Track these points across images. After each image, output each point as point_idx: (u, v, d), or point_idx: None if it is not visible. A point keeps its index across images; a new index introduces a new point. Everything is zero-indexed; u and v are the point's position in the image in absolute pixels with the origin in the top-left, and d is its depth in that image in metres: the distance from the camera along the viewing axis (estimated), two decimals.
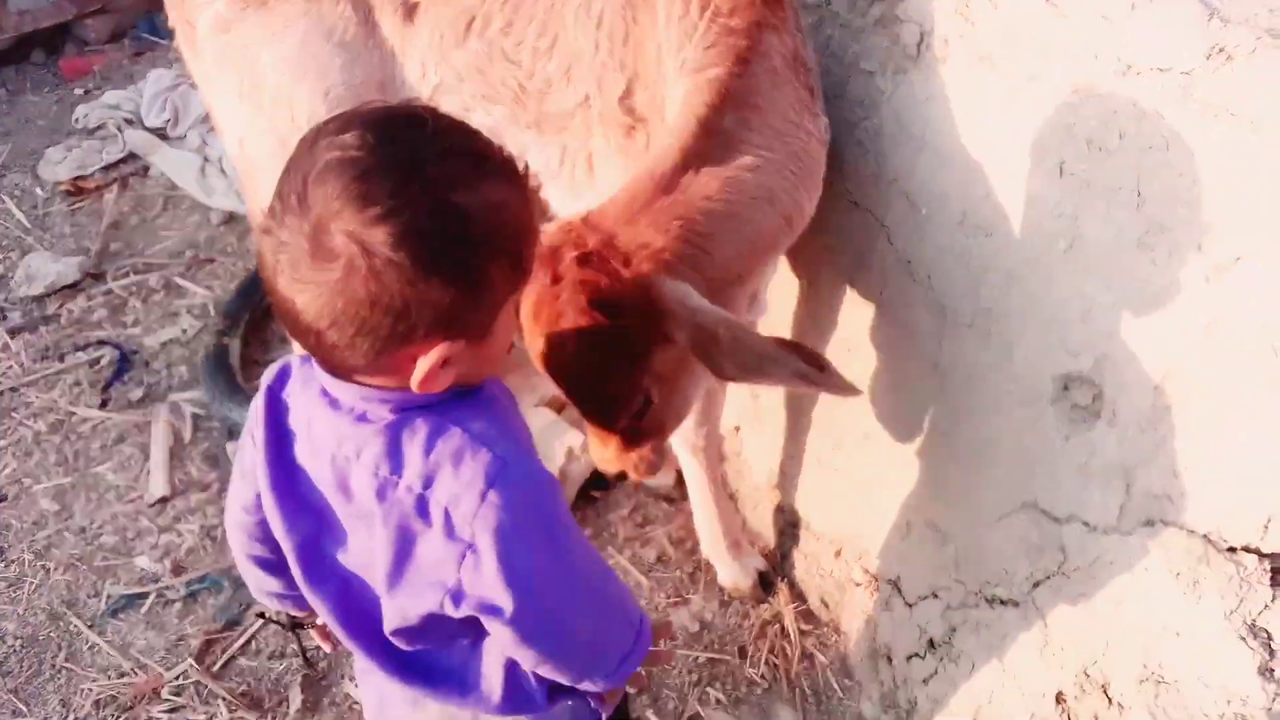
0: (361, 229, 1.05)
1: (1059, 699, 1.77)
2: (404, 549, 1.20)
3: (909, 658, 2.07)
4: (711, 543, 2.35)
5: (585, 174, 1.87)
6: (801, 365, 1.50)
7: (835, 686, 2.21)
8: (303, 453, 1.26)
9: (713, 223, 1.56)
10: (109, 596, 2.53)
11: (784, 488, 2.42)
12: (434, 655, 1.36)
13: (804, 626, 2.30)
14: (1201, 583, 1.49)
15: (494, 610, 1.19)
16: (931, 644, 2.02)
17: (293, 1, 1.87)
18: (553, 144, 1.85)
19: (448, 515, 1.16)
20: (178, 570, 2.59)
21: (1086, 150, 1.50)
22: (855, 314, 2.08)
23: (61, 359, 3.23)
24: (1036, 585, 1.78)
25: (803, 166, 1.67)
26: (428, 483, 1.16)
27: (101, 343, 3.29)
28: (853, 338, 2.10)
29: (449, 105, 1.90)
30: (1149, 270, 1.46)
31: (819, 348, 2.20)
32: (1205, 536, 1.48)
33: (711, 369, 1.51)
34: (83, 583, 2.58)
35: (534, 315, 1.50)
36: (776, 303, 2.32)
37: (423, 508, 1.17)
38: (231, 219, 3.81)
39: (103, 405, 3.09)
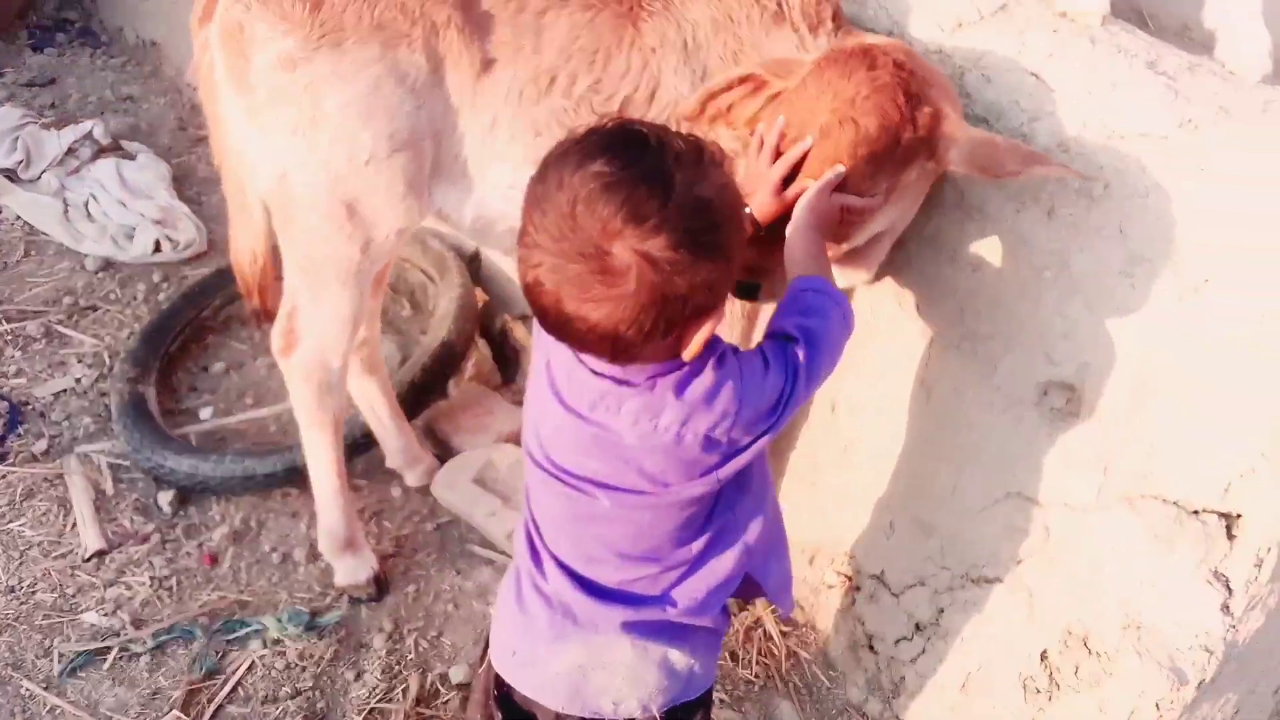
0: (641, 242, 1.27)
1: (1043, 656, 2.10)
2: (662, 468, 1.47)
3: (897, 641, 2.34)
4: None
5: None
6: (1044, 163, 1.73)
7: (823, 678, 2.45)
8: (561, 385, 1.49)
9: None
10: (62, 655, 2.34)
11: None
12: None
13: (784, 628, 2.53)
14: (1175, 540, 1.87)
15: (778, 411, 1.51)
16: (918, 626, 2.31)
17: (369, 46, 1.92)
18: None
19: (707, 438, 1.45)
20: (138, 623, 2.44)
21: (1074, 198, 1.89)
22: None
23: None
24: (1020, 563, 2.11)
25: None
26: (685, 421, 1.43)
27: None
28: (842, 364, 2.39)
29: (520, 156, 2.01)
30: (1128, 293, 1.85)
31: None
32: (1175, 503, 1.87)
33: (993, 167, 1.72)
34: (26, 644, 2.37)
35: (832, 91, 1.67)
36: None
37: (679, 439, 1.44)
38: (108, 265, 3.62)
39: (0, 460, 2.83)
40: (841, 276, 2.06)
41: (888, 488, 2.35)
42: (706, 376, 1.45)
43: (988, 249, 2.05)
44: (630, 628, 1.60)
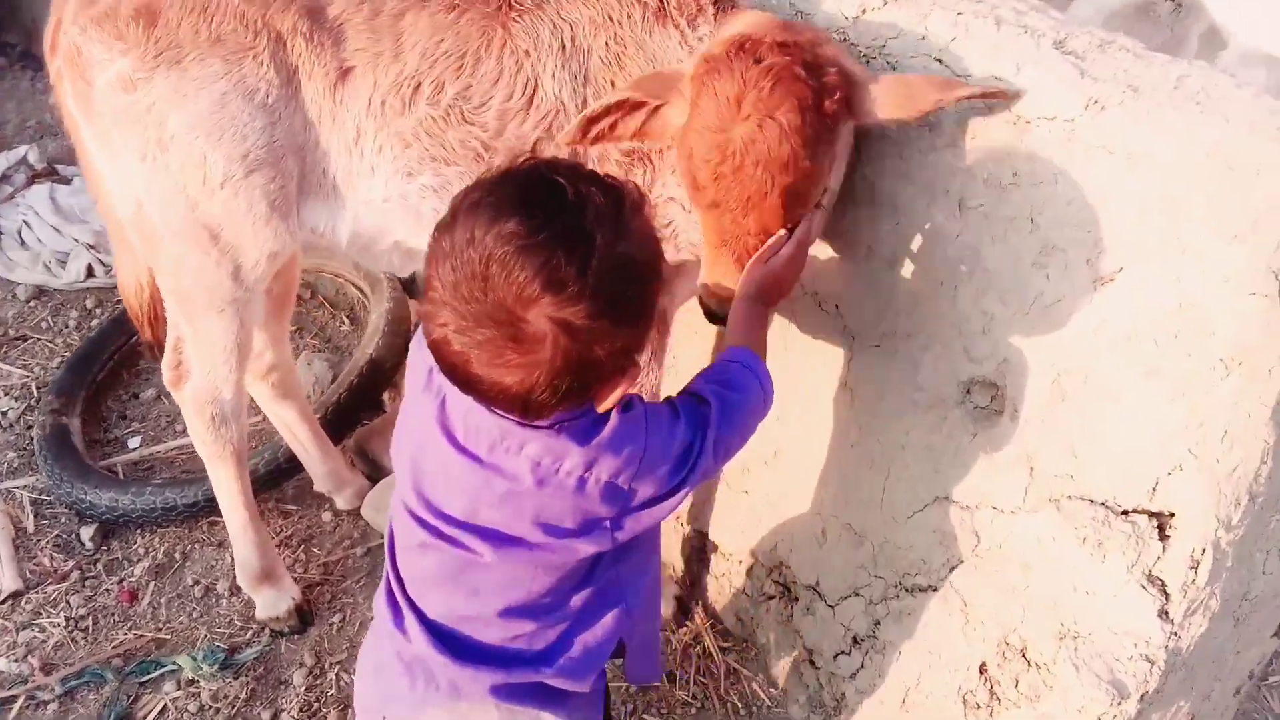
0: (559, 310, 1.20)
1: (982, 669, 2.00)
2: (559, 515, 1.40)
3: (835, 655, 2.25)
4: None
5: None
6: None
7: (763, 697, 2.35)
8: (455, 425, 1.40)
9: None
10: None
11: (692, 515, 2.56)
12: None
13: (723, 644, 2.43)
14: (1104, 544, 1.77)
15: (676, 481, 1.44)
16: (856, 640, 2.21)
17: (208, 63, 1.83)
18: None
19: (610, 485, 1.38)
20: (47, 668, 2.35)
21: (984, 188, 1.79)
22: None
23: None
24: (953, 569, 2.02)
25: None
26: (589, 466, 1.37)
27: None
28: (769, 366, 2.29)
29: (390, 169, 1.91)
30: (1043, 284, 1.75)
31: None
32: (1104, 504, 1.76)
33: (915, 103, 1.62)
34: None
35: (734, 102, 1.56)
36: (690, 333, 2.48)
37: (581, 485, 1.38)
38: (40, 294, 3.53)
39: None
40: None
41: (817, 493, 2.25)
42: (613, 422, 1.38)
43: (903, 244, 1.95)
44: (499, 691, 1.51)
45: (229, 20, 1.83)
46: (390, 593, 1.56)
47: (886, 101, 1.65)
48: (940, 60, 1.82)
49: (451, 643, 1.50)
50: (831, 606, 2.25)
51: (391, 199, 1.95)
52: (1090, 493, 1.77)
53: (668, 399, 1.54)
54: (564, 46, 1.86)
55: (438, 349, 1.27)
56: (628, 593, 1.55)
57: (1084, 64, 1.69)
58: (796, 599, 2.35)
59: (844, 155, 1.82)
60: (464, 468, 1.40)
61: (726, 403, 1.54)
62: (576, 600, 1.50)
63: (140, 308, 2.29)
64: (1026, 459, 1.85)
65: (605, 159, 1.91)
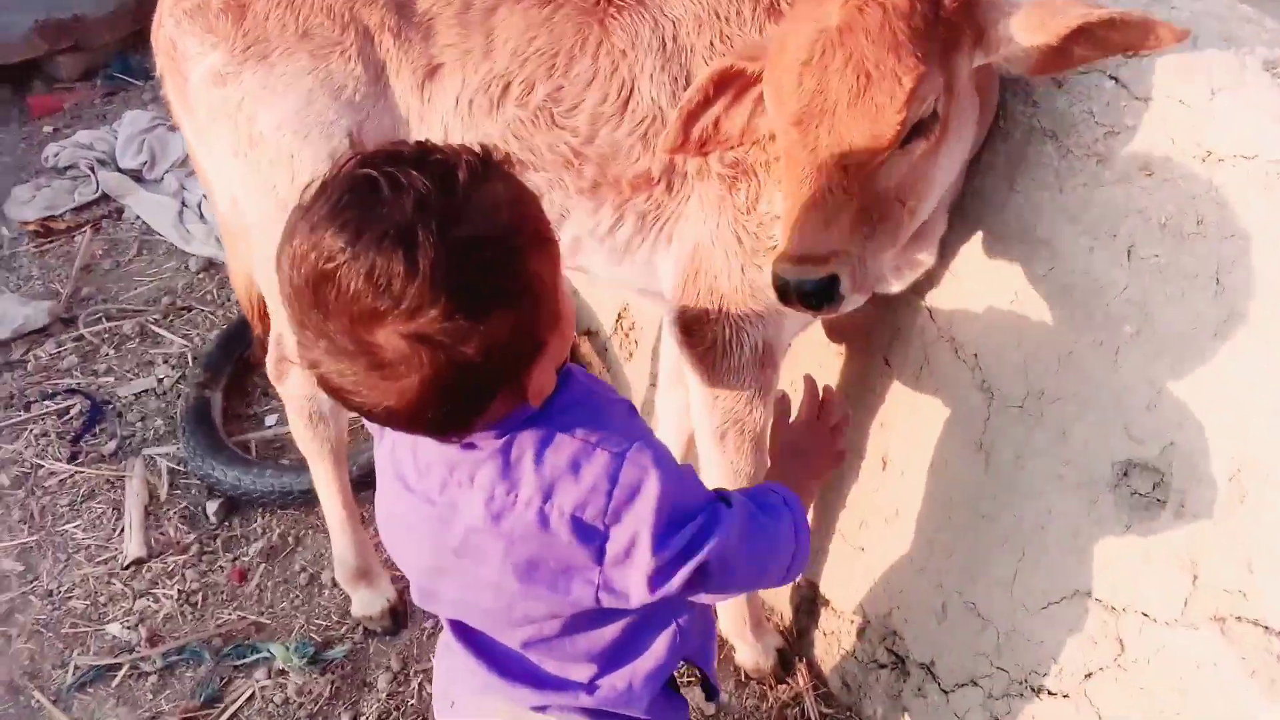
0: (405, 326, 1.04)
1: None
2: (530, 560, 1.22)
3: None
4: (733, 622, 2.25)
5: (657, 235, 1.80)
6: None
7: None
8: (407, 467, 1.27)
9: None
10: (76, 668, 2.35)
11: None
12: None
13: (825, 709, 2.22)
14: (1277, 680, 1.44)
15: (656, 583, 1.22)
16: None
17: (297, 58, 1.76)
18: (609, 208, 1.78)
19: (575, 519, 1.18)
20: (154, 639, 2.42)
21: (1160, 234, 1.49)
22: (891, 389, 2.03)
23: (28, 408, 3.06)
24: (1089, 676, 1.72)
25: None
26: (547, 495, 1.18)
27: (71, 391, 3.12)
28: (887, 412, 2.06)
29: None
30: (1226, 360, 1.44)
31: (851, 422, 2.15)
32: None
33: (1053, 30, 1.36)
34: (48, 652, 2.40)
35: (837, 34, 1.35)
36: (807, 369, 2.27)
37: (543, 519, 1.19)
38: (210, 266, 3.68)
39: (72, 459, 2.91)
40: (907, 266, 1.74)
41: (940, 562, 1.99)
42: (572, 441, 1.19)
43: (1057, 292, 1.67)
44: (543, 710, 1.38)
45: (316, 14, 1.76)
46: None
47: (1023, 26, 1.38)
48: (1115, 79, 1.53)
49: (490, 655, 1.37)
50: (946, 692, 1.99)
51: None
52: (1265, 617, 1.45)
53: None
54: (664, 46, 1.69)
55: (319, 381, 1.12)
56: (679, 608, 1.36)
57: None
58: (908, 674, 2.09)
59: (968, 106, 1.51)
60: (421, 514, 1.26)
61: (751, 518, 1.32)
62: (610, 632, 1.33)
63: (250, 300, 2.30)
64: (1190, 564, 1.54)
65: (706, 172, 1.72)
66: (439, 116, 1.77)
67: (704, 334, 1.84)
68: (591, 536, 1.19)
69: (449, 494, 1.22)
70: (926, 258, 1.74)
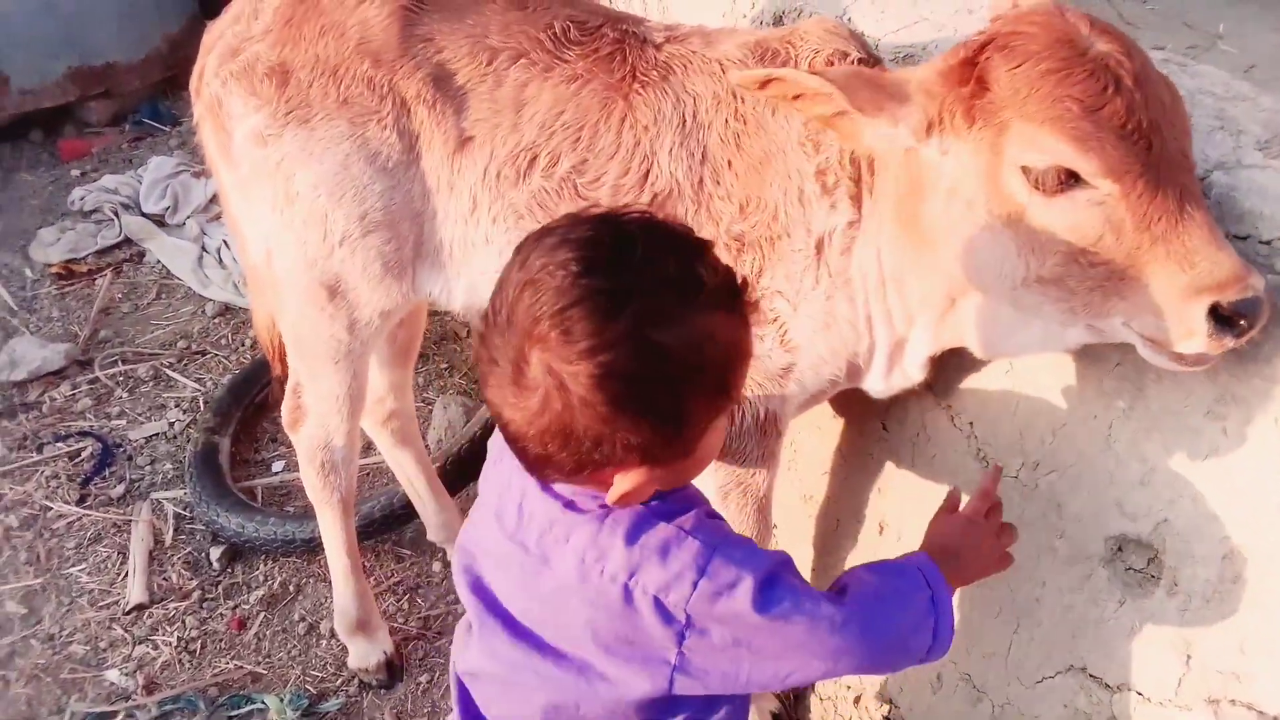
0: (561, 363, 1.10)
1: None
2: (611, 632, 1.23)
3: None
4: None
5: None
6: None
7: None
8: (509, 518, 1.30)
9: None
10: (73, 714, 2.36)
11: None
12: None
13: None
14: None
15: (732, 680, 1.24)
16: None
17: (336, 123, 1.83)
18: None
19: (658, 602, 1.19)
20: (150, 687, 2.43)
21: None
22: (889, 453, 2.03)
23: (40, 449, 3.10)
24: None
25: None
26: (632, 572, 1.20)
27: (84, 434, 3.16)
28: (885, 478, 2.05)
29: (504, 240, 1.84)
30: (1218, 438, 1.43)
31: (848, 486, 2.15)
32: (1275, 719, 1.41)
33: None
34: (45, 697, 2.41)
35: (1073, 32, 1.32)
36: (807, 439, 2.27)
37: (628, 595, 1.20)
38: (226, 311, 3.73)
39: (80, 501, 2.94)
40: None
41: None
42: (667, 526, 1.21)
43: (1051, 365, 1.66)
44: None
45: (357, 84, 1.83)
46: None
47: None
48: None
49: None
50: None
51: None
52: (1259, 701, 1.43)
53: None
54: (684, 122, 1.73)
55: (474, 358, 1.22)
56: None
57: None
58: None
59: None
60: (514, 558, 1.29)
61: (863, 617, 1.28)
62: None
63: (271, 344, 2.35)
64: (1185, 644, 1.52)
65: (715, 242, 1.74)
66: (468, 187, 1.82)
67: None
68: (672, 620, 1.20)
69: (544, 546, 1.25)
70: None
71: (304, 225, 1.90)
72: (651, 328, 1.09)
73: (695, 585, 1.19)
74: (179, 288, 3.87)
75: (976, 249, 1.43)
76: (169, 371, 3.45)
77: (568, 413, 1.11)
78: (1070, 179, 1.29)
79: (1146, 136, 1.27)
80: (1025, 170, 1.33)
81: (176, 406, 3.31)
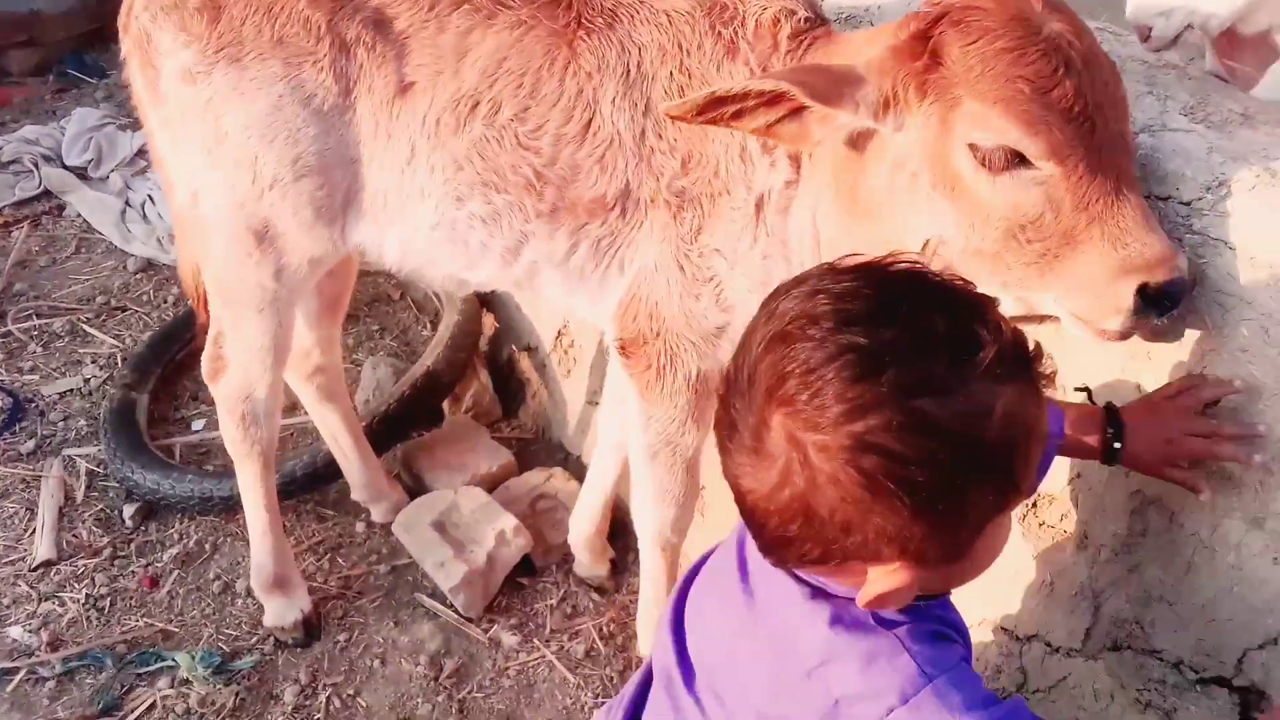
0: (807, 431, 0.95)
1: None
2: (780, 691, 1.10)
3: None
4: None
5: (610, 261, 1.79)
6: None
7: None
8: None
9: None
10: None
11: None
12: None
13: None
14: (1174, 715, 1.45)
15: None
16: None
17: (269, 63, 1.77)
18: (565, 232, 1.77)
19: (837, 705, 1.04)
20: (55, 644, 2.34)
21: None
22: None
23: None
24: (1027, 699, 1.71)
25: None
26: (823, 660, 1.05)
27: None
28: None
29: (441, 192, 1.79)
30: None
31: None
32: (1176, 666, 1.44)
33: None
34: None
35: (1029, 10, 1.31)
36: None
37: (807, 677, 1.06)
38: (149, 267, 3.62)
39: None
40: None
41: None
42: (888, 634, 1.04)
43: None
44: None
45: (293, 23, 1.77)
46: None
47: None
48: None
49: None
50: None
51: (440, 226, 1.84)
52: (1161, 650, 1.46)
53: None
54: (629, 72, 1.70)
55: (718, 444, 1.08)
56: None
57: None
58: None
59: None
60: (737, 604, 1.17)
61: None
62: None
63: (196, 292, 2.27)
64: (1093, 596, 1.55)
65: (658, 200, 1.71)
66: (406, 134, 1.77)
67: (641, 356, 1.84)
68: None
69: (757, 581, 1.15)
70: None
71: (233, 167, 1.84)
72: (916, 395, 0.93)
73: (890, 712, 1.01)
74: (100, 242, 3.74)
75: (919, 221, 1.43)
76: (86, 327, 3.34)
77: (812, 491, 0.96)
78: (1016, 158, 1.30)
79: (1091, 119, 1.28)
80: (973, 147, 1.33)
81: (94, 363, 3.20)
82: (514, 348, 3.07)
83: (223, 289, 2.03)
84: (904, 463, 0.93)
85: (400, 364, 3.15)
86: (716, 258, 1.71)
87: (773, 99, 1.41)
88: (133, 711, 2.21)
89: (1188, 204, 1.34)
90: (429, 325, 3.41)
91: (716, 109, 1.43)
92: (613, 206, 1.73)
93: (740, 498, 1.05)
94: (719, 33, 1.63)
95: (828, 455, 0.94)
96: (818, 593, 1.08)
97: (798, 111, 1.43)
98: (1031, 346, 1.02)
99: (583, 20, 1.71)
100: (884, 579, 1.01)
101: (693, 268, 1.73)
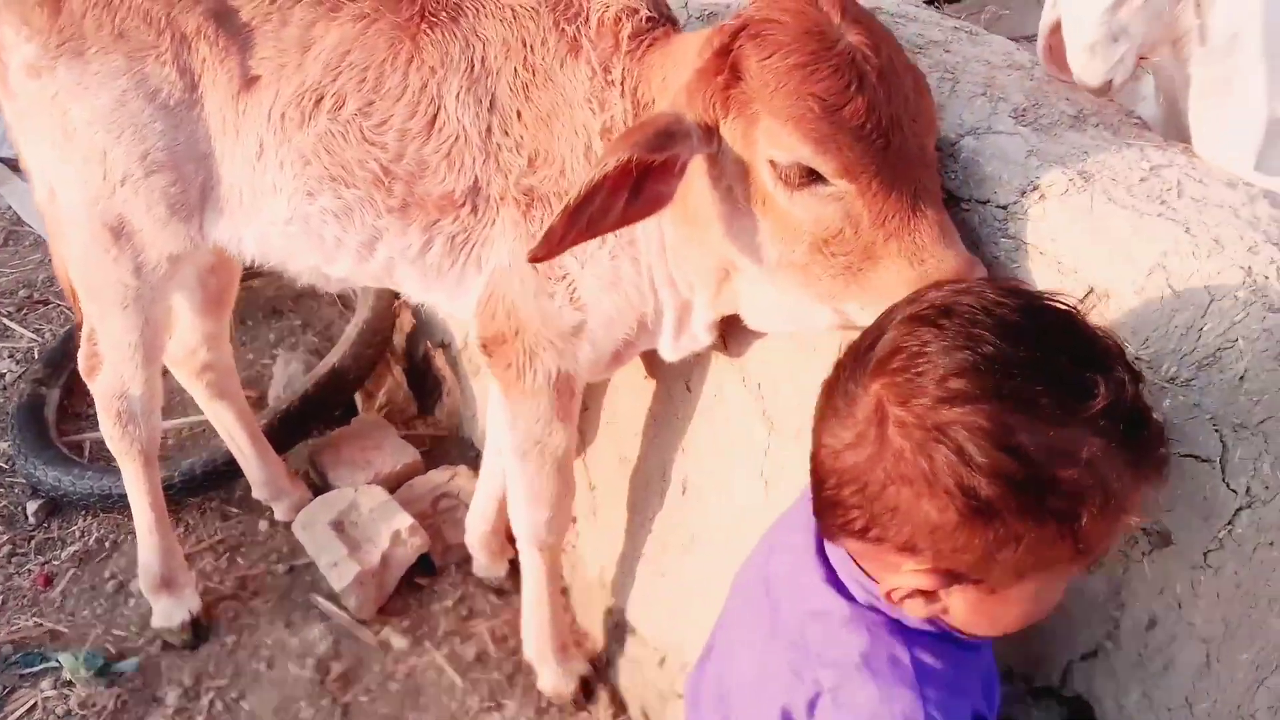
0: (893, 405, 0.98)
1: None
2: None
3: None
4: (538, 645, 2.22)
5: (466, 258, 1.75)
6: None
7: None
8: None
9: None
10: None
11: (615, 587, 2.31)
12: None
13: None
14: None
15: None
16: None
17: (112, 57, 1.74)
18: (418, 228, 1.74)
19: (815, 698, 1.11)
20: None
21: None
22: (693, 414, 2.01)
23: None
24: None
25: None
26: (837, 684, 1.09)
27: None
28: (689, 438, 2.03)
29: (291, 187, 1.77)
30: None
31: (656, 447, 2.12)
32: (1007, 675, 1.42)
33: None
34: None
35: (823, 23, 1.30)
36: (624, 400, 2.24)
37: (797, 651, 1.15)
38: None
39: None
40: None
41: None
42: (890, 643, 1.08)
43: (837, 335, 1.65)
44: None
45: (133, 16, 1.74)
46: None
47: None
48: None
49: None
50: None
51: (294, 221, 1.82)
52: None
53: None
54: (472, 67, 1.66)
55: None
56: None
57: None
58: None
59: None
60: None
61: None
62: None
63: (70, 288, 2.24)
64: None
65: (507, 198, 1.67)
66: (253, 129, 1.75)
67: (502, 354, 1.83)
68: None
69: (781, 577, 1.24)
70: None
71: (83, 162, 1.82)
72: (1011, 411, 0.93)
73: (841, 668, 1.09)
74: (28, 235, 3.71)
75: (737, 232, 1.43)
76: (5, 320, 3.31)
77: (876, 461, 0.99)
78: (812, 175, 1.29)
79: (885, 134, 1.26)
80: (772, 164, 1.32)
81: (10, 357, 3.18)
82: (429, 344, 3.05)
83: (87, 286, 2.02)
84: (973, 467, 0.93)
85: (316, 360, 3.12)
86: (568, 257, 1.69)
87: (622, 173, 1.33)
88: (13, 713, 2.20)
89: (1004, 208, 1.31)
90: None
91: (575, 222, 1.34)
92: (463, 203, 1.71)
93: (814, 453, 1.07)
94: (562, 29, 1.61)
95: (904, 432, 0.96)
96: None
97: (645, 176, 1.36)
98: (1154, 427, 1.00)
99: (426, 14, 1.68)
100: (913, 575, 1.02)
101: (545, 266, 1.70)
